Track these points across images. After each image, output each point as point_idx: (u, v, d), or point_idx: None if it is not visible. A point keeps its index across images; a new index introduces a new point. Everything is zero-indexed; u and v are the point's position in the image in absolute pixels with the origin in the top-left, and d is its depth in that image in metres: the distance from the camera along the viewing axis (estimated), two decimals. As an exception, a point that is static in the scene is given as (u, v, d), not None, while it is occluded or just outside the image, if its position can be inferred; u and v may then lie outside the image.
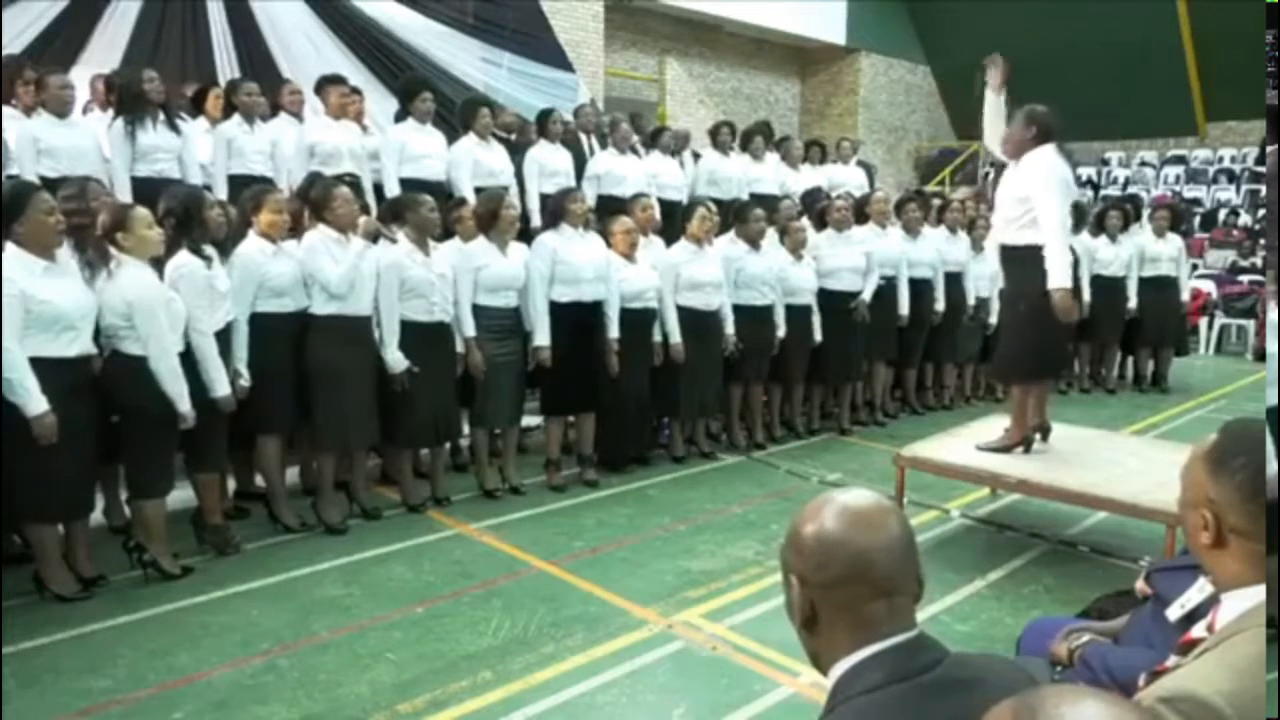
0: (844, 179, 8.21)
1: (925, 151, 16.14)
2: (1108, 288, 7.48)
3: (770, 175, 7.62)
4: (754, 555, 4.14)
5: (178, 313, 3.63)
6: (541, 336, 4.79)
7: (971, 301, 6.87)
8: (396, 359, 4.34)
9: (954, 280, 6.74)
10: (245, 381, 4.00)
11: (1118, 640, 2.01)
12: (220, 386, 3.78)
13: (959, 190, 13.71)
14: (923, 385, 7.02)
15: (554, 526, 4.50)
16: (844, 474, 5.36)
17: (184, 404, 3.58)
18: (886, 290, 6.27)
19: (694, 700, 2.96)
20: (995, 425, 4.55)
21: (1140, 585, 2.15)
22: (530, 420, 5.31)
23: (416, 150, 5.93)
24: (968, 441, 4.46)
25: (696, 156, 7.66)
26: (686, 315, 5.29)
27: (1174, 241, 7.80)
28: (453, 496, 4.78)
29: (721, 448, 5.82)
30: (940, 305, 6.63)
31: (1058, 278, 3.90)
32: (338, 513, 4.39)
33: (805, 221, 6.05)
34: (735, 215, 5.77)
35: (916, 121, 16.01)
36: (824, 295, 5.95)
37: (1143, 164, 14.66)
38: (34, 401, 3.21)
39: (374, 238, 4.30)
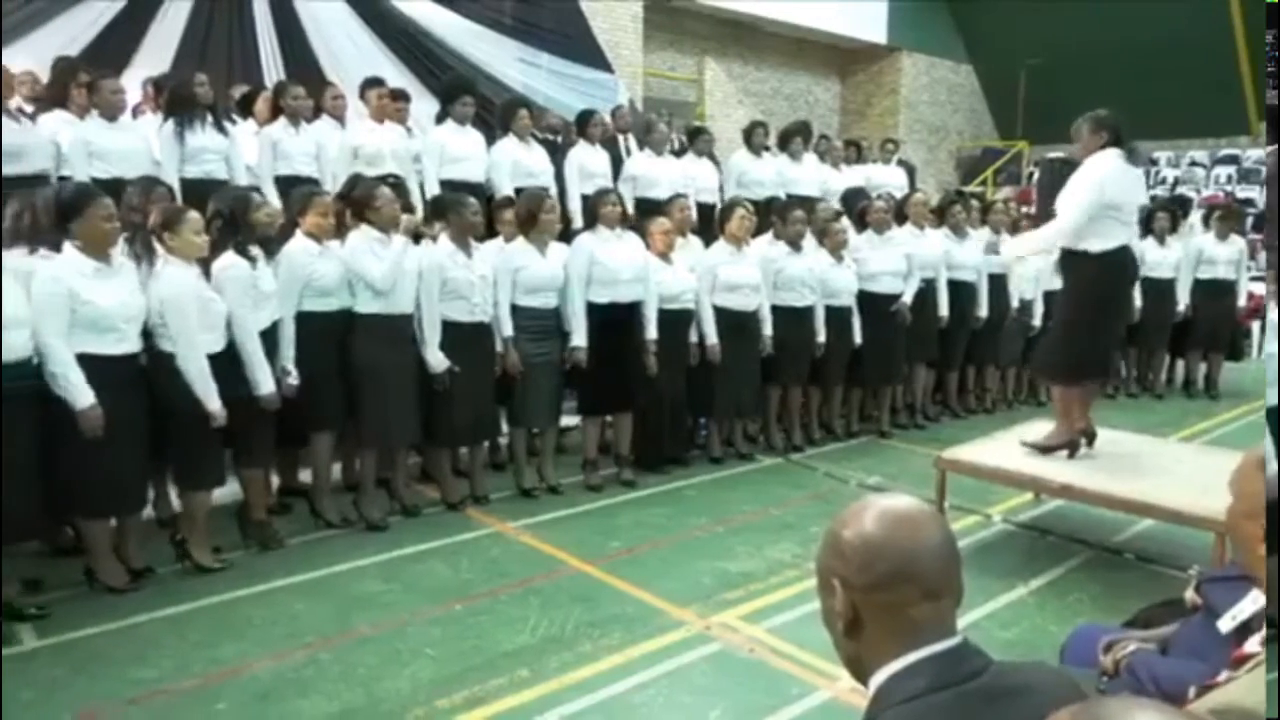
0: (884, 179, 8.13)
1: (967, 151, 15.93)
2: (1156, 290, 7.32)
3: (808, 176, 7.56)
4: (792, 558, 4.12)
5: (216, 313, 3.70)
6: (578, 337, 4.81)
7: (1015, 304, 6.77)
8: (438, 359, 4.38)
9: (997, 282, 6.64)
10: (294, 380, 4.05)
11: (1165, 651, 1.97)
12: (264, 385, 3.84)
13: (1001, 191, 13.52)
14: (964, 388, 6.93)
15: (591, 526, 4.51)
16: (883, 477, 5.32)
17: (212, 403, 3.62)
18: (928, 292, 6.21)
19: (731, 702, 2.95)
20: (1039, 429, 4.48)
21: (1190, 595, 2.11)
22: (568, 420, 5.33)
23: (455, 151, 5.98)
24: (1010, 445, 4.39)
25: (714, 159, 7.53)
26: (724, 316, 5.28)
27: (1235, 244, 7.60)
28: (491, 495, 4.81)
29: (759, 449, 5.80)
30: (984, 310, 6.54)
31: (1017, 246, 4.39)
32: (379, 509, 4.44)
33: (846, 223, 6.00)
34: (776, 216, 5.73)
35: (958, 121, 15.81)
36: (864, 298, 5.91)
37: (1193, 164, 14.33)
38: (81, 395, 3.29)
39: (415, 237, 4.34)
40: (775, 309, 5.49)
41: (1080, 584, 3.89)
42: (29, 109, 5.27)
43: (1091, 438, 4.27)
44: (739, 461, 5.58)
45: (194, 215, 3.70)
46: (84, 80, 5.15)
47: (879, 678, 1.13)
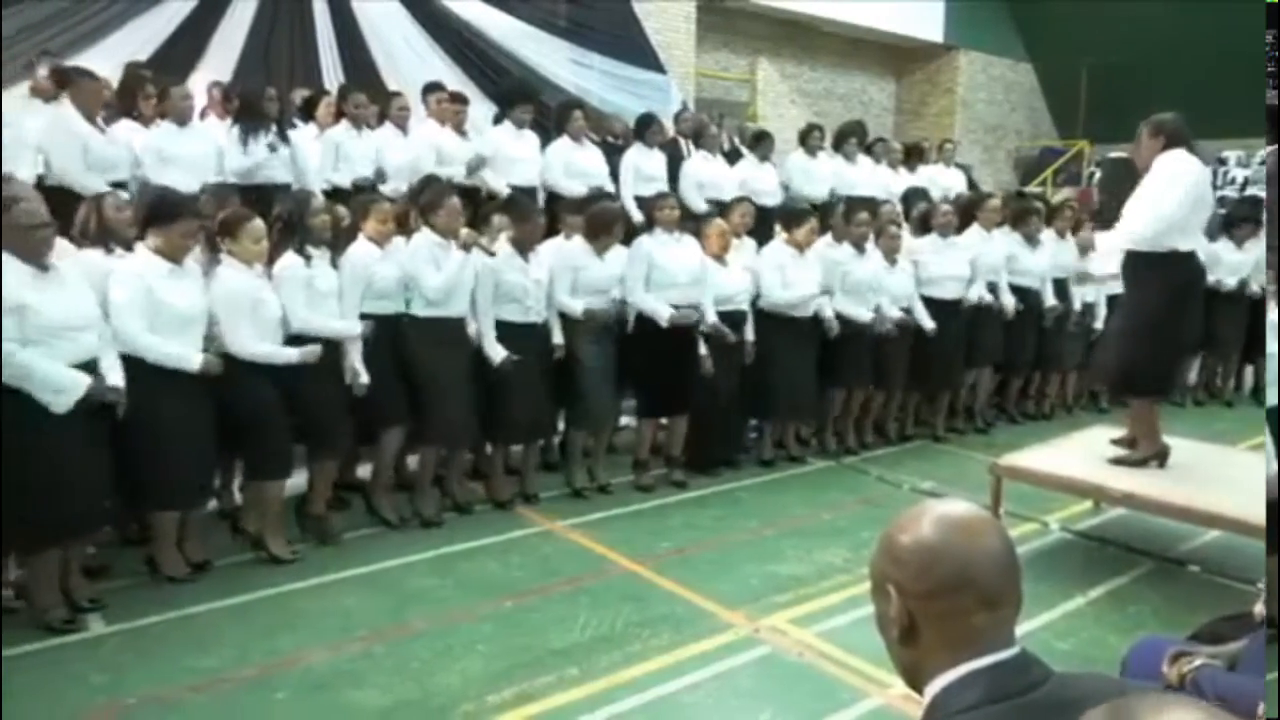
0: (943, 181, 8.01)
1: (1025, 151, 15.60)
2: (1228, 296, 7.10)
3: (865, 177, 7.49)
4: (843, 562, 4.09)
5: (269, 316, 3.80)
6: (665, 311, 4.78)
7: (1077, 307, 6.63)
8: (496, 350, 4.43)
9: (1060, 286, 6.52)
10: (364, 379, 4.10)
11: (1234, 667, 1.91)
12: (287, 354, 3.85)
13: (1061, 191, 13.22)
14: (1025, 394, 6.80)
15: (641, 526, 4.53)
16: (937, 482, 5.24)
17: (289, 356, 3.78)
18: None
19: (779, 706, 2.94)
20: (1099, 437, 4.38)
21: (1259, 609, 2.04)
22: (621, 420, 5.35)
23: (511, 154, 6.06)
24: (1069, 451, 4.30)
25: (734, 157, 7.41)
26: (782, 319, 5.26)
27: None
28: (541, 493, 4.85)
29: (810, 452, 5.76)
30: (1048, 314, 6.41)
31: (1106, 263, 4.25)
32: (433, 506, 4.51)
33: (905, 226, 5.94)
34: (838, 217, 5.69)
35: (1017, 120, 15.48)
36: (925, 303, 5.84)
37: (1263, 163, 13.84)
38: (188, 360, 3.48)
39: (468, 249, 4.35)
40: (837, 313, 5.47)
41: (1141, 595, 3.79)
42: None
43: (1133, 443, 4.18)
44: (790, 464, 5.55)
45: (255, 223, 3.80)
46: (150, 92, 5.28)
47: (934, 687, 1.11)
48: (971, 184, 8.68)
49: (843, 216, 5.68)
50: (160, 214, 3.55)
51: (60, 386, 3.11)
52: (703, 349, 4.99)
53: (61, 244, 3.56)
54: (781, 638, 3.39)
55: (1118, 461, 4.11)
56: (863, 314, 5.51)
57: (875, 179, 7.55)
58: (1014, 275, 6.26)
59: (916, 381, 5.98)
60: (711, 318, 4.96)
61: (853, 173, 7.46)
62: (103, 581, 3.67)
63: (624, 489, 5.00)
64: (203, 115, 6.06)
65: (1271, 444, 3.96)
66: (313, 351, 3.83)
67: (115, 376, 3.33)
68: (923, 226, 6.09)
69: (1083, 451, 4.31)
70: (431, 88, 6.30)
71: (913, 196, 7.11)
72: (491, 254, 4.44)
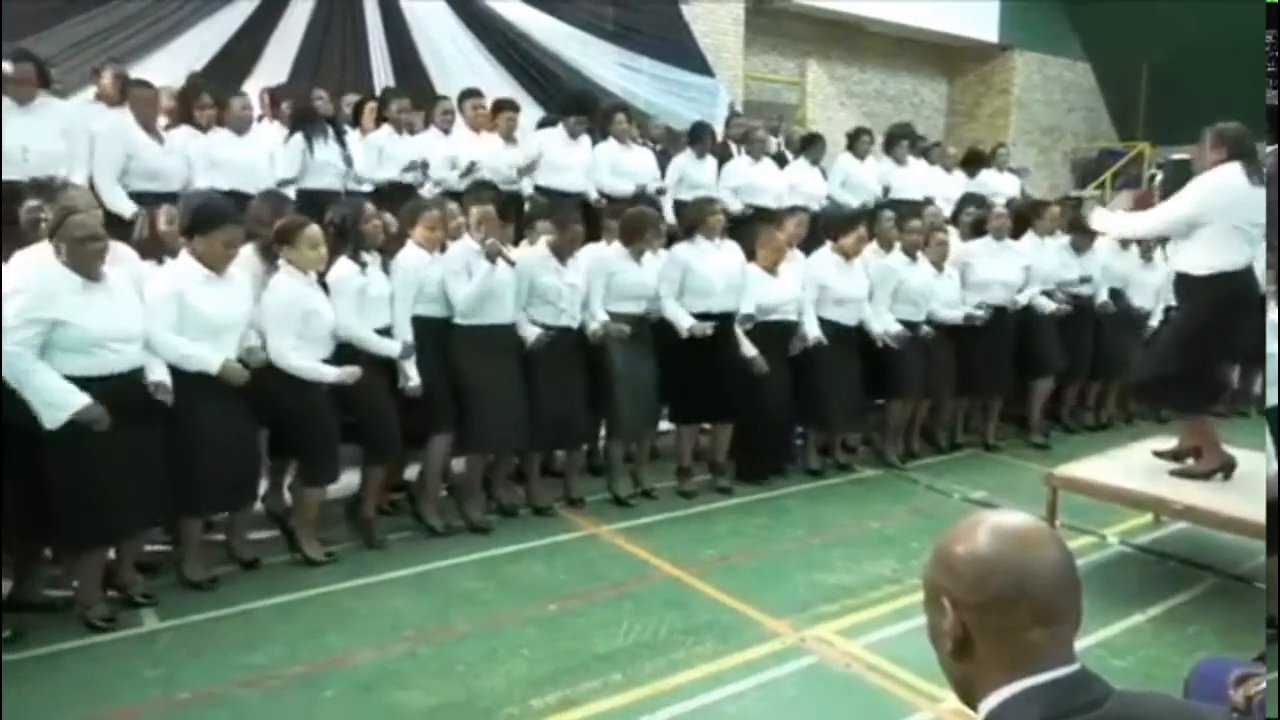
0: (997, 186, 7.87)
1: (1082, 153, 15.28)
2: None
3: (914, 181, 7.41)
4: (891, 572, 4.04)
5: (321, 325, 3.86)
6: (685, 321, 4.77)
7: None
8: (530, 330, 4.45)
9: (1117, 294, 6.40)
10: (414, 383, 4.15)
11: (1303, 689, 1.85)
12: (325, 373, 3.88)
13: (1120, 195, 12.93)
14: (1082, 403, 6.67)
15: (686, 532, 4.52)
16: (988, 492, 5.16)
17: (327, 376, 3.82)
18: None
19: (825, 718, 2.91)
20: (1157, 446, 4.27)
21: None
22: (663, 425, 5.34)
23: (559, 160, 6.07)
24: (1127, 462, 4.20)
25: (782, 161, 7.32)
26: (830, 329, 5.21)
27: None
28: (586, 497, 4.87)
29: (858, 460, 5.71)
30: (1100, 310, 6.29)
31: (1103, 221, 4.46)
32: (480, 510, 4.55)
33: (953, 231, 5.87)
34: (887, 223, 5.63)
35: (1074, 121, 15.17)
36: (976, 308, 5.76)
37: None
38: (210, 360, 3.49)
39: (493, 259, 4.33)
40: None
41: (1203, 613, 3.69)
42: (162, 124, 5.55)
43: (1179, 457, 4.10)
44: (837, 472, 5.51)
45: (312, 230, 3.87)
46: (206, 102, 5.39)
47: (989, 703, 1.09)
48: (1025, 189, 8.52)
49: (894, 223, 5.61)
50: (203, 220, 3.57)
51: (53, 401, 3.09)
52: (752, 349, 4.95)
53: (123, 250, 3.67)
54: (828, 648, 3.36)
55: (1180, 474, 4.01)
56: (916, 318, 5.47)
57: (927, 182, 7.45)
58: (1068, 284, 6.15)
59: (966, 388, 5.90)
60: (745, 316, 4.92)
61: (903, 176, 7.38)
62: (158, 578, 3.76)
63: (668, 494, 5.00)
64: (259, 119, 6.19)
65: (1272, 444, 3.92)
66: (351, 373, 3.84)
67: (160, 372, 3.40)
68: (975, 232, 6.01)
69: (1142, 463, 4.20)
70: (468, 94, 6.32)
71: (967, 202, 6.99)
72: (511, 263, 4.40)
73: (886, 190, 7.24)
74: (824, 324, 5.21)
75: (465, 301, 4.28)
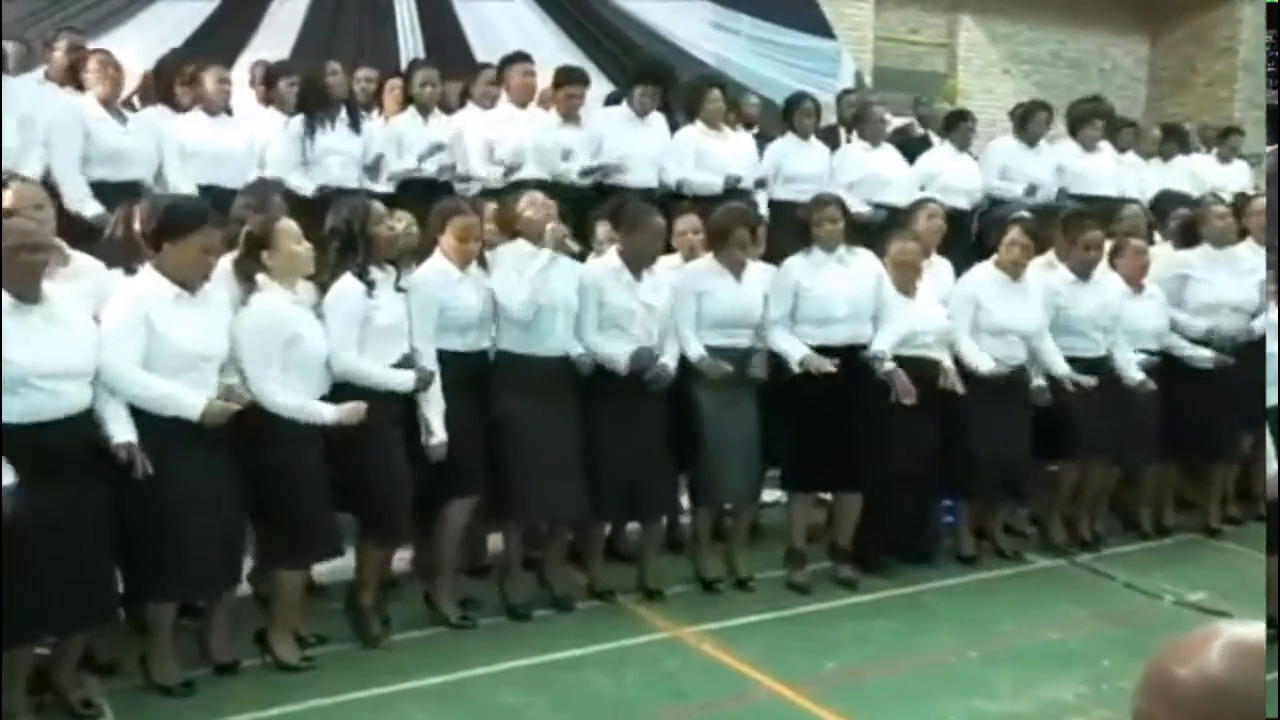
0: (1216, 177, 7.71)
1: (1336, 133, 14.87)
2: None
3: (1103, 171, 7.32)
4: (1074, 698, 3.97)
5: (308, 354, 3.92)
6: (797, 352, 4.75)
7: None
8: (611, 349, 4.48)
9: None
10: (439, 438, 4.19)
11: None
12: (321, 412, 3.93)
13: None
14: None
15: (797, 637, 4.50)
16: (1211, 593, 5.03)
17: (326, 415, 3.87)
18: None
19: None
20: None
21: None
22: (769, 494, 5.33)
23: (627, 147, 6.15)
24: None
25: (832, 145, 7.18)
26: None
27: None
28: (665, 588, 4.86)
29: (1028, 546, 5.62)
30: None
31: None
32: (524, 593, 4.59)
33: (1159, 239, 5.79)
34: (1062, 228, 5.55)
35: (1324, 91, 14.80)
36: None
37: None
38: (190, 401, 3.53)
39: (560, 247, 4.43)
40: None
41: None
42: (132, 106, 5.81)
43: None
44: (999, 562, 5.43)
45: (289, 223, 3.97)
46: (188, 71, 5.65)
47: None
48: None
49: (1064, 230, 5.53)
50: (175, 224, 3.64)
51: None
52: (891, 365, 4.85)
53: (83, 261, 3.82)
54: (990, 800, 3.29)
55: None
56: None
57: (1121, 176, 7.36)
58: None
59: (1178, 449, 5.76)
60: (886, 359, 4.84)
61: (1084, 163, 7.28)
62: (116, 680, 3.84)
63: (772, 586, 4.97)
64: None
65: (1272, 444, 4.66)
66: (355, 410, 3.90)
67: (120, 429, 3.45)
68: (1186, 238, 5.90)
69: None
70: (514, 58, 6.36)
71: (1168, 201, 6.84)
72: (574, 253, 4.49)
73: (1060, 192, 7.14)
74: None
75: (523, 307, 4.32)
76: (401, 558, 4.64)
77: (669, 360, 4.62)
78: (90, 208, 4.87)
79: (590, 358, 4.55)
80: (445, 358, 4.33)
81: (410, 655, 4.20)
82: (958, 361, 5.08)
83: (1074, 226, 5.51)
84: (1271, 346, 4.97)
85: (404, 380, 4.14)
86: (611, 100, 6.75)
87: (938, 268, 5.45)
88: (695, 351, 4.69)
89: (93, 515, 3.45)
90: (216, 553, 3.79)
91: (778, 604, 4.82)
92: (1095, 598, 5.05)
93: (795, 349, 4.76)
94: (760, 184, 6.37)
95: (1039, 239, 5.41)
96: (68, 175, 5.03)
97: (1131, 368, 5.38)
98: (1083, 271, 5.40)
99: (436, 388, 4.22)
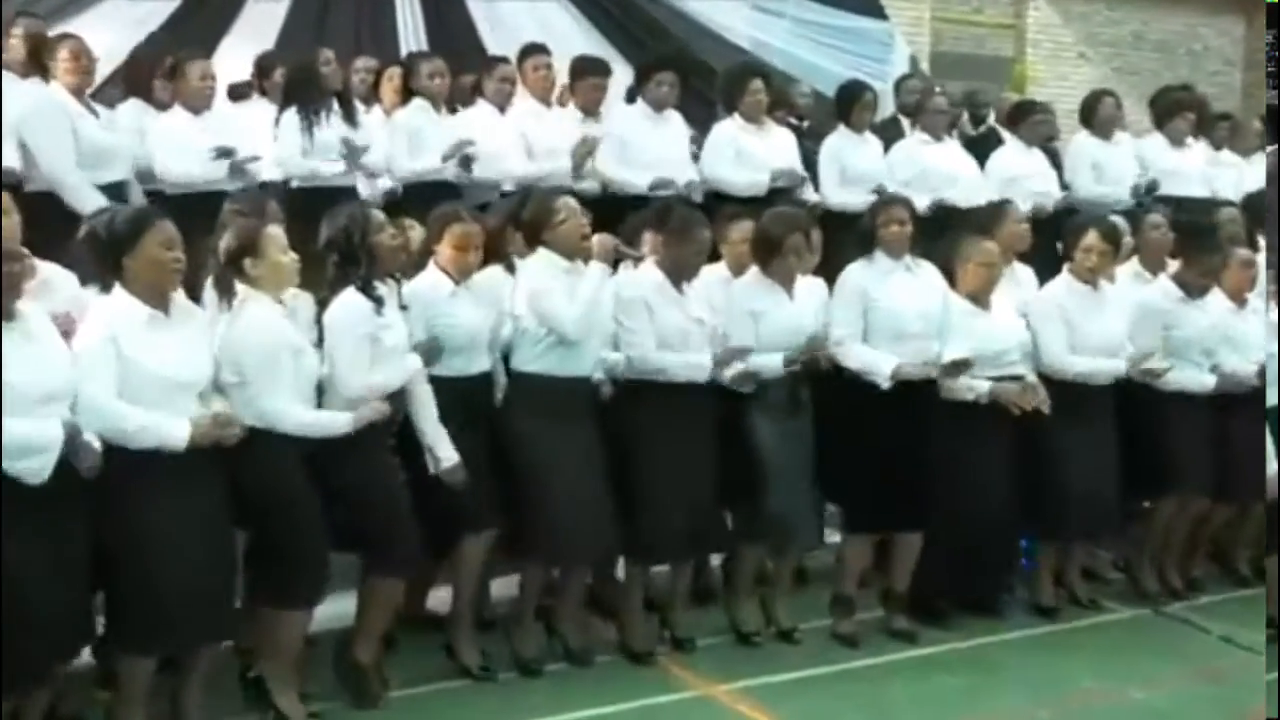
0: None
1: None
2: None
3: (1193, 167, 7.32)
4: (1164, 768, 3.94)
5: (304, 371, 3.95)
6: (887, 365, 4.73)
7: None
8: (680, 360, 4.54)
9: None
10: (448, 463, 4.20)
11: None
12: (340, 422, 3.98)
13: None
14: None
15: (844, 696, 4.49)
16: (1318, 648, 4.98)
17: (343, 426, 3.91)
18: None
19: None
20: None
21: None
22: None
23: (640, 145, 6.21)
24: None
25: (884, 138, 7.15)
26: (1069, 391, 5.11)
27: None
28: (696, 639, 4.86)
29: (1110, 593, 5.59)
30: None
31: None
32: (536, 647, 4.59)
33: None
34: (1180, 241, 5.57)
35: None
36: None
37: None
38: (176, 430, 3.52)
39: (614, 260, 4.47)
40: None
41: None
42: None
43: None
44: (1078, 611, 5.40)
45: (275, 229, 4.00)
46: (169, 63, 5.71)
47: None
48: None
49: (1180, 239, 5.55)
50: (125, 236, 3.61)
51: None
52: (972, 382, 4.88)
53: (51, 272, 3.86)
54: None
55: None
56: (1199, 381, 5.36)
57: (1214, 175, 7.37)
58: None
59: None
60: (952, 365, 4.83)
61: (1173, 158, 7.28)
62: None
63: (818, 637, 4.97)
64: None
65: (1272, 444, 5.34)
66: (378, 410, 3.94)
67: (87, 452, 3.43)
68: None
69: None
70: (529, 51, 6.45)
71: (1259, 201, 6.81)
72: (639, 258, 4.57)
73: (1152, 184, 7.10)
74: (1060, 384, 5.12)
75: (576, 326, 4.34)
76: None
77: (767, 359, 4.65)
78: (95, 200, 4.89)
79: (618, 377, 4.64)
80: (443, 385, 4.31)
81: (402, 715, 4.20)
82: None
83: (1195, 235, 5.59)
84: (1272, 346, 5.28)
85: (409, 363, 4.16)
86: (632, 95, 6.77)
87: (1018, 275, 5.47)
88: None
89: (63, 555, 3.43)
90: (200, 602, 3.75)
91: (823, 658, 4.81)
92: (1186, 652, 5.05)
93: (883, 363, 4.74)
94: (803, 180, 6.41)
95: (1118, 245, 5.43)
96: (67, 174, 5.11)
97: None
98: (1198, 286, 5.42)
99: (432, 409, 4.24)
